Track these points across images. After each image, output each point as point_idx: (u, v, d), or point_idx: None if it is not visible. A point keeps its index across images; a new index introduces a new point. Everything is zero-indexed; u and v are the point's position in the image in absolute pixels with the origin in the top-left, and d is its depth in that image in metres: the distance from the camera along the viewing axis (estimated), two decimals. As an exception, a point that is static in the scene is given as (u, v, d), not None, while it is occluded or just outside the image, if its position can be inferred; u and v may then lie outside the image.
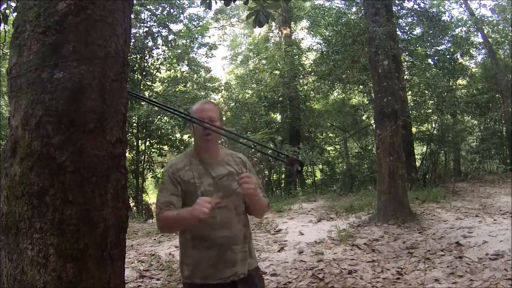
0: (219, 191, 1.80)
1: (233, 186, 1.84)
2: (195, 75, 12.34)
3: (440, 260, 4.04)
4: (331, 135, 12.73)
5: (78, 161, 1.19)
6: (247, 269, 1.85)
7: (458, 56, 10.45)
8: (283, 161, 1.90)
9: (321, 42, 10.84)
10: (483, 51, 13.42)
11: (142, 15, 10.60)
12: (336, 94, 13.19)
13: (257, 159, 10.84)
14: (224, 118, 11.50)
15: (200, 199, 1.67)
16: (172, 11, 10.96)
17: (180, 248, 1.92)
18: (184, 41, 11.36)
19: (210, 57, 12.33)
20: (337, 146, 13.02)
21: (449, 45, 10.59)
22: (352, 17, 9.88)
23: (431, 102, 10.34)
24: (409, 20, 10.79)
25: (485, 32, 13.19)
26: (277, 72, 11.80)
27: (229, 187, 1.84)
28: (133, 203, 10.19)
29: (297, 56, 12.22)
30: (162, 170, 11.33)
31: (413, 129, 10.89)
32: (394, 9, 9.80)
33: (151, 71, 11.01)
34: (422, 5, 10.56)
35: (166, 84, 11.55)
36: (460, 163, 12.63)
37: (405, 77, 10.42)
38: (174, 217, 1.75)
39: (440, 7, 11.99)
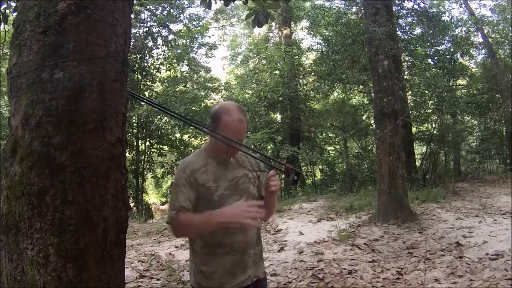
0: (236, 194, 1.74)
1: (250, 189, 1.80)
2: (195, 75, 12.34)
3: (440, 260, 4.04)
4: (331, 135, 12.73)
5: (78, 161, 1.19)
6: (260, 272, 1.83)
7: (458, 56, 10.45)
8: (279, 169, 1.88)
9: (321, 42, 10.84)
10: (483, 51, 13.43)
11: (142, 15, 10.61)
12: (336, 94, 13.19)
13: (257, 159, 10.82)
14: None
15: (240, 203, 1.61)
16: (172, 11, 10.97)
17: (192, 254, 1.81)
18: (184, 41, 11.36)
19: (210, 57, 12.34)
20: (337, 146, 13.03)
21: (449, 45, 10.60)
22: (352, 17, 9.89)
23: (431, 102, 10.34)
24: (409, 20, 10.80)
25: (485, 32, 13.19)
26: (277, 72, 11.80)
27: (246, 190, 1.79)
28: (133, 203, 10.20)
29: (296, 56, 12.22)
30: (162, 169, 11.34)
31: (413, 129, 10.89)
32: (394, 9, 9.80)
33: (151, 71, 11.01)
34: (422, 5, 10.58)
35: (166, 84, 11.56)
36: (460, 163, 12.64)
37: (405, 77, 10.42)
38: (193, 221, 1.65)
39: (440, 7, 11.99)
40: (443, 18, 10.64)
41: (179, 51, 11.17)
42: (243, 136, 1.76)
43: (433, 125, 11.25)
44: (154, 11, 10.78)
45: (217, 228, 1.64)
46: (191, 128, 10.35)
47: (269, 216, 2.02)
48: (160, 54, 11.23)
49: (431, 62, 10.57)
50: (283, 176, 1.87)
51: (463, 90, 12.56)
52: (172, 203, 1.71)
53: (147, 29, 10.58)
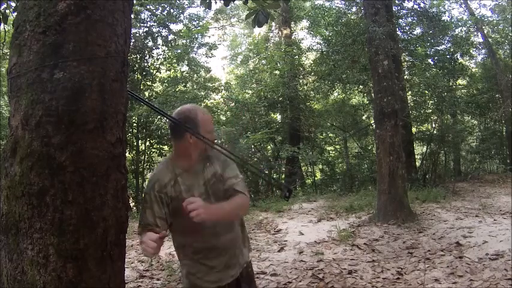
0: (210, 198, 1.71)
1: (221, 188, 1.75)
2: (195, 75, 12.33)
3: (440, 260, 4.04)
4: (331, 135, 12.73)
5: (78, 161, 1.19)
6: (247, 258, 1.88)
7: (458, 56, 10.44)
8: (273, 185, 1.91)
9: (321, 42, 10.84)
10: (483, 51, 13.42)
11: (142, 15, 10.60)
12: (336, 94, 13.18)
13: (257, 159, 10.84)
14: (224, 118, 11.52)
15: (145, 237, 1.54)
16: (172, 11, 10.96)
17: (182, 257, 1.81)
18: (184, 41, 11.35)
19: (210, 57, 12.31)
20: (337, 146, 13.02)
21: (449, 45, 10.59)
22: (352, 17, 9.88)
23: (431, 102, 10.33)
24: (409, 20, 10.79)
25: (485, 32, 13.19)
26: (277, 72, 11.80)
27: (218, 190, 1.74)
28: (133, 203, 10.18)
29: (296, 56, 12.21)
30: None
31: (413, 129, 10.89)
32: (394, 9, 9.80)
33: (151, 71, 11.00)
34: (422, 5, 10.57)
35: (166, 84, 11.55)
36: (460, 163, 12.63)
37: (405, 77, 10.42)
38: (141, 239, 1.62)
39: (440, 7, 11.98)
40: (443, 18, 10.64)
41: (179, 51, 11.16)
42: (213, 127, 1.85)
43: (433, 125, 11.25)
44: (154, 11, 10.77)
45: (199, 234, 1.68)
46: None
47: (240, 214, 1.89)
48: (160, 54, 11.22)
49: (431, 62, 10.57)
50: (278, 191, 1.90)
51: (463, 90, 12.55)
52: (140, 218, 1.69)
53: (147, 29, 10.57)
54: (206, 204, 1.57)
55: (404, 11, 10.70)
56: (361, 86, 10.60)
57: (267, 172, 8.75)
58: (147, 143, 11.06)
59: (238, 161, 1.77)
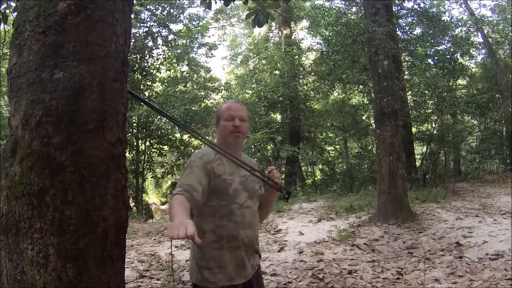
0: (246, 191, 1.79)
1: (256, 188, 1.85)
2: (195, 75, 12.34)
3: (440, 260, 4.04)
4: (331, 135, 12.74)
5: (78, 161, 1.19)
6: (258, 261, 1.89)
7: (458, 56, 10.45)
8: (273, 187, 1.91)
9: (321, 42, 10.85)
10: (483, 51, 13.44)
11: (142, 15, 10.60)
12: (336, 94, 13.19)
13: (257, 159, 10.84)
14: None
15: (188, 223, 1.32)
16: (172, 11, 10.96)
17: (196, 250, 1.76)
18: (184, 41, 11.36)
19: (210, 57, 12.33)
20: (337, 146, 13.03)
21: (449, 45, 10.60)
22: (352, 17, 9.88)
23: (431, 102, 10.34)
24: (409, 20, 10.80)
25: (485, 32, 13.20)
26: (277, 72, 11.80)
27: (253, 188, 1.84)
28: (133, 203, 10.19)
29: (296, 56, 12.21)
30: (162, 169, 11.33)
31: (413, 129, 10.90)
32: (394, 9, 9.80)
33: (151, 71, 11.01)
34: (422, 5, 10.58)
35: (166, 84, 11.55)
36: (460, 163, 12.64)
37: (405, 77, 10.42)
38: (174, 211, 1.47)
39: (440, 7, 11.99)
40: (443, 18, 10.65)
41: (179, 51, 11.17)
42: (241, 114, 1.83)
43: (433, 125, 11.25)
44: (154, 11, 10.78)
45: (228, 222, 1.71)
46: (191, 128, 10.36)
47: (267, 215, 2.07)
48: (160, 54, 11.23)
49: (431, 62, 10.57)
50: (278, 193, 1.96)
51: (463, 90, 12.56)
52: (181, 182, 1.64)
53: (147, 29, 10.58)
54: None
55: (404, 11, 10.71)
56: (361, 86, 10.60)
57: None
58: (147, 143, 11.07)
59: (234, 160, 1.78)
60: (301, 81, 12.26)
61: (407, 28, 10.81)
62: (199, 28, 11.54)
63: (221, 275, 1.71)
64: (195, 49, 11.90)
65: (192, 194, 1.59)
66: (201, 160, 1.71)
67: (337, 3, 11.21)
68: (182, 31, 11.09)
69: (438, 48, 10.62)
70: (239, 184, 1.77)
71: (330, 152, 13.16)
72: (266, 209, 1.96)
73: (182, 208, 1.50)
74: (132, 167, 10.38)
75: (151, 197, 16.42)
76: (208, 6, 3.38)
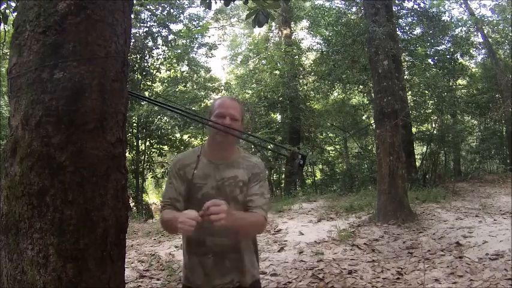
0: (221, 195, 1.67)
1: (234, 193, 1.72)
2: (195, 75, 12.34)
3: (440, 260, 4.04)
4: (331, 135, 12.74)
5: (78, 161, 1.19)
6: (248, 280, 1.75)
7: (458, 56, 10.45)
8: (285, 155, 1.83)
9: (321, 42, 10.85)
10: (483, 51, 13.44)
11: (142, 15, 10.60)
12: (336, 94, 13.19)
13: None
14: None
15: (184, 214, 1.46)
16: (172, 11, 10.96)
17: (182, 250, 1.86)
18: (184, 41, 11.36)
19: (210, 57, 12.33)
20: (337, 146, 13.03)
21: (449, 45, 10.60)
22: (352, 17, 9.88)
23: (431, 102, 10.34)
24: (409, 20, 10.80)
25: (485, 32, 13.20)
26: (277, 72, 11.80)
27: (231, 193, 1.72)
28: (133, 203, 10.19)
29: (296, 56, 12.21)
30: (162, 169, 11.35)
31: (413, 129, 10.90)
32: (394, 9, 9.80)
33: (151, 71, 11.01)
34: (422, 5, 10.58)
35: (166, 84, 11.55)
36: (460, 163, 12.64)
37: (405, 77, 10.42)
38: (168, 219, 1.62)
39: (440, 7, 11.99)
40: (443, 18, 10.65)
41: (179, 51, 11.17)
42: (231, 112, 1.73)
43: (433, 125, 11.25)
44: (154, 11, 10.78)
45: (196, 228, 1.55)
46: (191, 127, 10.36)
47: (253, 232, 1.85)
48: (160, 54, 11.23)
49: (431, 62, 10.57)
50: (289, 162, 1.73)
51: (463, 90, 12.56)
52: (163, 195, 1.77)
53: (147, 29, 10.58)
54: (230, 210, 1.52)
55: (404, 11, 10.71)
56: (361, 86, 10.60)
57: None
58: (147, 143, 11.07)
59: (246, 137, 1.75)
60: (301, 81, 12.26)
61: (407, 28, 10.81)
62: (199, 28, 11.54)
63: (192, 278, 1.76)
64: (195, 49, 11.90)
65: (174, 205, 1.70)
66: (175, 167, 1.76)
67: (337, 3, 11.22)
68: (182, 31, 11.09)
69: (438, 48, 10.62)
70: (212, 189, 1.70)
71: (330, 152, 13.16)
72: (243, 231, 1.72)
73: (172, 214, 1.63)
74: (132, 167, 10.38)
75: (151, 197, 16.39)
76: (208, 6, 3.38)
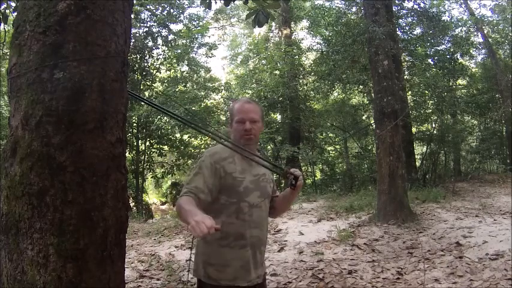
0: (258, 190, 1.78)
1: (267, 188, 1.84)
2: (195, 75, 12.34)
3: (440, 260, 4.04)
4: (331, 135, 12.74)
5: (78, 161, 1.19)
6: (263, 271, 1.84)
7: (458, 56, 10.45)
8: (278, 173, 1.90)
9: (321, 42, 10.85)
10: (483, 51, 13.44)
11: (142, 15, 10.60)
12: (336, 94, 13.19)
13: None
14: (224, 118, 11.53)
15: (204, 216, 1.42)
16: (172, 11, 10.96)
17: (202, 246, 1.76)
18: (184, 41, 11.36)
19: (210, 57, 12.33)
20: (337, 146, 13.03)
21: (449, 45, 10.60)
22: (352, 17, 9.88)
23: (431, 102, 10.34)
24: (409, 20, 10.80)
25: (485, 32, 13.20)
26: (277, 72, 11.80)
27: (265, 188, 1.83)
28: (133, 203, 10.19)
29: (296, 56, 12.21)
30: (162, 169, 11.33)
31: (413, 129, 10.90)
32: (394, 9, 9.80)
33: (151, 71, 11.01)
34: (422, 5, 10.58)
35: (166, 84, 11.56)
36: (460, 163, 12.64)
37: (405, 77, 10.42)
38: (185, 208, 1.55)
39: (440, 7, 11.99)
40: (443, 18, 10.65)
41: (179, 51, 11.17)
42: (252, 116, 1.80)
43: (433, 125, 11.25)
44: (154, 11, 10.78)
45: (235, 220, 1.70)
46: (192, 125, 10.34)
47: (280, 214, 2.13)
48: (160, 54, 11.22)
49: (431, 62, 10.57)
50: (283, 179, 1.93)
51: (463, 90, 12.56)
52: (187, 182, 1.70)
53: (147, 29, 10.57)
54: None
55: (404, 11, 10.71)
56: (361, 86, 10.60)
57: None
58: (147, 143, 11.07)
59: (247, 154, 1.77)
60: (301, 81, 12.26)
61: (407, 28, 10.81)
62: (199, 28, 11.54)
63: (224, 274, 1.70)
64: (195, 49, 11.90)
65: (198, 195, 1.63)
66: (211, 159, 1.72)
67: (337, 3, 11.21)
68: (182, 31, 11.09)
69: (438, 48, 10.62)
70: (250, 183, 1.76)
71: (330, 152, 13.16)
72: (283, 207, 2.00)
73: (191, 206, 1.56)
74: (132, 167, 10.38)
75: (151, 197, 16.40)
76: (208, 6, 3.38)
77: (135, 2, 8.53)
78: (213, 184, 1.68)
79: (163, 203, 16.14)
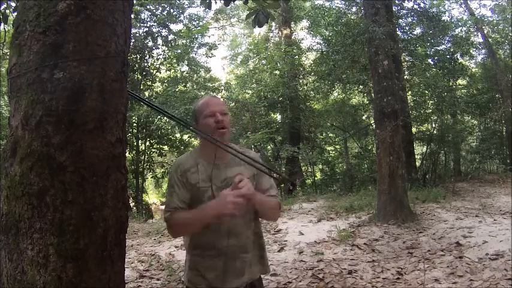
0: None
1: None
2: (195, 75, 12.34)
3: (440, 260, 4.04)
4: (331, 135, 12.74)
5: (78, 161, 1.19)
6: (255, 274, 1.78)
7: (458, 56, 10.45)
8: (276, 178, 1.86)
9: (321, 42, 10.85)
10: (483, 51, 13.44)
11: (142, 15, 10.61)
12: (336, 94, 13.20)
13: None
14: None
15: (224, 195, 1.54)
16: (172, 11, 10.97)
17: (186, 251, 1.81)
18: (184, 41, 11.36)
19: (210, 57, 12.34)
20: (337, 146, 13.03)
21: (449, 45, 10.60)
22: (352, 17, 9.89)
23: (431, 102, 10.35)
24: (409, 20, 10.80)
25: (485, 32, 13.20)
26: (277, 72, 11.80)
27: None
28: (133, 203, 10.19)
29: (296, 56, 12.21)
30: (162, 169, 11.35)
31: (413, 129, 10.90)
32: (394, 9, 9.80)
33: (151, 71, 11.01)
34: (422, 5, 10.58)
35: (166, 84, 11.56)
36: (460, 163, 12.64)
37: (405, 77, 10.42)
38: (187, 218, 1.63)
39: (440, 7, 11.99)
40: (443, 18, 10.65)
41: (179, 51, 11.17)
42: (221, 108, 1.74)
43: (433, 125, 11.25)
44: (154, 11, 10.78)
45: (211, 221, 1.62)
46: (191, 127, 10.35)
47: (270, 217, 1.99)
48: (160, 54, 11.23)
49: (431, 62, 10.57)
50: (282, 184, 1.86)
51: (463, 90, 12.56)
52: (167, 204, 1.72)
53: (147, 29, 10.58)
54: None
55: (404, 11, 10.71)
56: (361, 86, 10.60)
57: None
58: (147, 143, 11.07)
59: (239, 156, 1.69)
60: (301, 81, 12.26)
61: (407, 28, 10.81)
62: (199, 28, 11.54)
63: (202, 280, 1.71)
64: (195, 49, 11.91)
65: (180, 212, 1.68)
66: (176, 174, 1.71)
67: (337, 3, 11.21)
68: (182, 31, 11.09)
69: (438, 48, 10.62)
70: (216, 190, 1.68)
71: (330, 152, 13.16)
72: (261, 212, 1.78)
73: (188, 212, 1.66)
74: (132, 167, 10.38)
75: (151, 197, 16.42)
76: (208, 6, 3.38)
77: (135, 2, 8.53)
78: (185, 197, 1.69)
79: (163, 203, 16.11)
